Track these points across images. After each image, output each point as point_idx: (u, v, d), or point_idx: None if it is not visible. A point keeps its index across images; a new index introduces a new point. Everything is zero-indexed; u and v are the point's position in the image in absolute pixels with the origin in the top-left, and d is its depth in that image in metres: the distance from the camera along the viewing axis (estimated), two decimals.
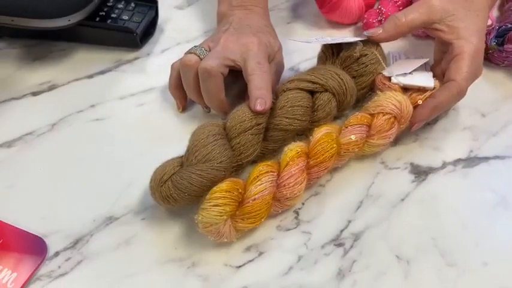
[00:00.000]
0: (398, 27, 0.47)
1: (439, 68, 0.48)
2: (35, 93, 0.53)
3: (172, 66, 0.49)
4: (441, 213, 0.43)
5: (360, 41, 0.48)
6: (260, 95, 0.43)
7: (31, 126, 0.49)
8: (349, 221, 0.42)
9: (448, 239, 0.41)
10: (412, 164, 0.46)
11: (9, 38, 0.58)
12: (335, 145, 0.42)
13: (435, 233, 0.41)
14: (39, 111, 0.51)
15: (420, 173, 0.46)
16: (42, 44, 0.57)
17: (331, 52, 0.49)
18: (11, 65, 0.55)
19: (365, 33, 0.49)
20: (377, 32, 0.47)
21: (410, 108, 0.45)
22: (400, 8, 0.59)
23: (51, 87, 0.53)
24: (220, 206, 0.37)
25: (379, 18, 0.58)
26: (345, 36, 0.55)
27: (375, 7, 0.60)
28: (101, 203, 0.43)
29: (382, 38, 0.48)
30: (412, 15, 0.46)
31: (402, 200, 0.43)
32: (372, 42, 0.48)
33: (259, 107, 0.42)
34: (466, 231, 0.41)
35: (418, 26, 0.47)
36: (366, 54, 0.48)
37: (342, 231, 0.41)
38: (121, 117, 0.50)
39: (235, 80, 0.49)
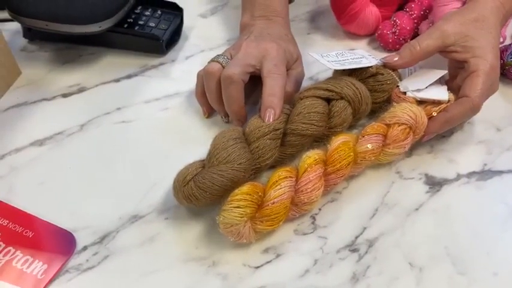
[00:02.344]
0: (413, 55, 0.48)
1: (455, 83, 0.49)
2: (65, 95, 0.55)
3: (198, 74, 0.51)
4: (454, 224, 0.44)
5: (376, 66, 0.50)
6: (270, 103, 0.45)
7: (61, 126, 0.51)
8: (364, 228, 0.43)
9: (460, 248, 0.42)
10: (426, 175, 0.47)
11: (40, 41, 0.61)
12: (352, 153, 0.44)
13: (448, 242, 0.42)
14: (69, 112, 0.53)
15: (434, 183, 0.47)
16: (72, 48, 0.60)
17: None
18: (43, 68, 0.58)
19: (381, 59, 0.50)
20: (393, 58, 0.49)
21: (425, 119, 0.46)
22: (415, 21, 0.60)
23: (80, 90, 0.56)
24: (241, 207, 0.39)
25: (393, 30, 0.60)
26: (362, 49, 0.57)
27: (391, 19, 0.61)
28: (127, 202, 0.45)
29: (398, 64, 0.49)
30: (427, 42, 0.48)
31: (416, 209, 0.45)
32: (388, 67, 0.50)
33: (267, 120, 0.44)
34: (477, 241, 0.42)
35: (433, 52, 0.49)
36: (382, 73, 0.49)
37: (357, 237, 0.43)
38: (146, 120, 0.52)
39: (254, 88, 0.51)
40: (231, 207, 0.39)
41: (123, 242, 0.42)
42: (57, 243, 0.41)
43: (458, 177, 0.47)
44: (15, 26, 0.59)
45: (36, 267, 0.40)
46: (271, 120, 0.44)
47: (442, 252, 0.42)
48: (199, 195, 0.41)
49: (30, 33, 0.60)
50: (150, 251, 0.42)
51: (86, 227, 0.43)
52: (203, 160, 0.44)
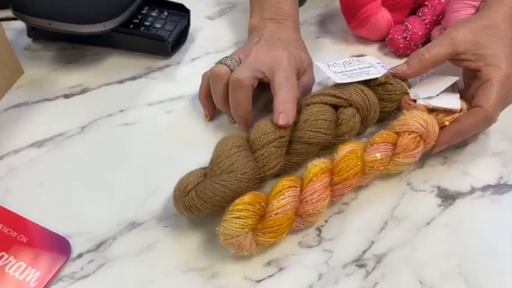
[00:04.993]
0: (422, 63, 0.47)
1: (469, 92, 0.47)
2: (67, 96, 0.54)
3: (203, 76, 0.50)
4: (468, 240, 0.42)
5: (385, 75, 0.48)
6: (284, 109, 0.43)
7: (62, 128, 0.50)
8: (373, 242, 0.41)
9: (474, 266, 0.40)
10: (439, 188, 0.45)
11: (44, 40, 0.60)
12: (360, 163, 0.42)
13: (461, 259, 0.40)
14: (70, 114, 0.52)
15: (447, 197, 0.45)
16: (76, 47, 0.59)
17: None
18: (46, 67, 0.57)
19: (390, 70, 0.49)
20: (402, 68, 0.48)
21: (437, 128, 0.44)
22: (428, 26, 0.59)
23: (83, 91, 0.55)
24: (242, 218, 0.37)
25: (404, 34, 0.58)
26: (371, 56, 0.55)
27: (403, 24, 0.59)
28: (125, 208, 0.43)
29: (407, 74, 0.48)
30: (436, 50, 0.46)
31: (428, 223, 0.43)
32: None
33: (281, 122, 0.42)
34: (493, 259, 0.41)
35: (444, 60, 0.47)
36: (391, 83, 0.48)
37: (364, 252, 0.41)
38: (149, 123, 0.51)
39: (261, 93, 0.49)
40: (231, 217, 0.37)
41: (120, 249, 0.41)
42: (51, 249, 0.40)
43: (473, 190, 0.45)
44: (20, 24, 0.59)
45: (29, 274, 0.39)
46: (283, 123, 0.42)
47: (454, 269, 0.40)
48: (201, 206, 0.39)
49: (34, 32, 0.59)
50: (148, 259, 0.40)
51: (82, 233, 0.42)
52: (205, 168, 0.42)
